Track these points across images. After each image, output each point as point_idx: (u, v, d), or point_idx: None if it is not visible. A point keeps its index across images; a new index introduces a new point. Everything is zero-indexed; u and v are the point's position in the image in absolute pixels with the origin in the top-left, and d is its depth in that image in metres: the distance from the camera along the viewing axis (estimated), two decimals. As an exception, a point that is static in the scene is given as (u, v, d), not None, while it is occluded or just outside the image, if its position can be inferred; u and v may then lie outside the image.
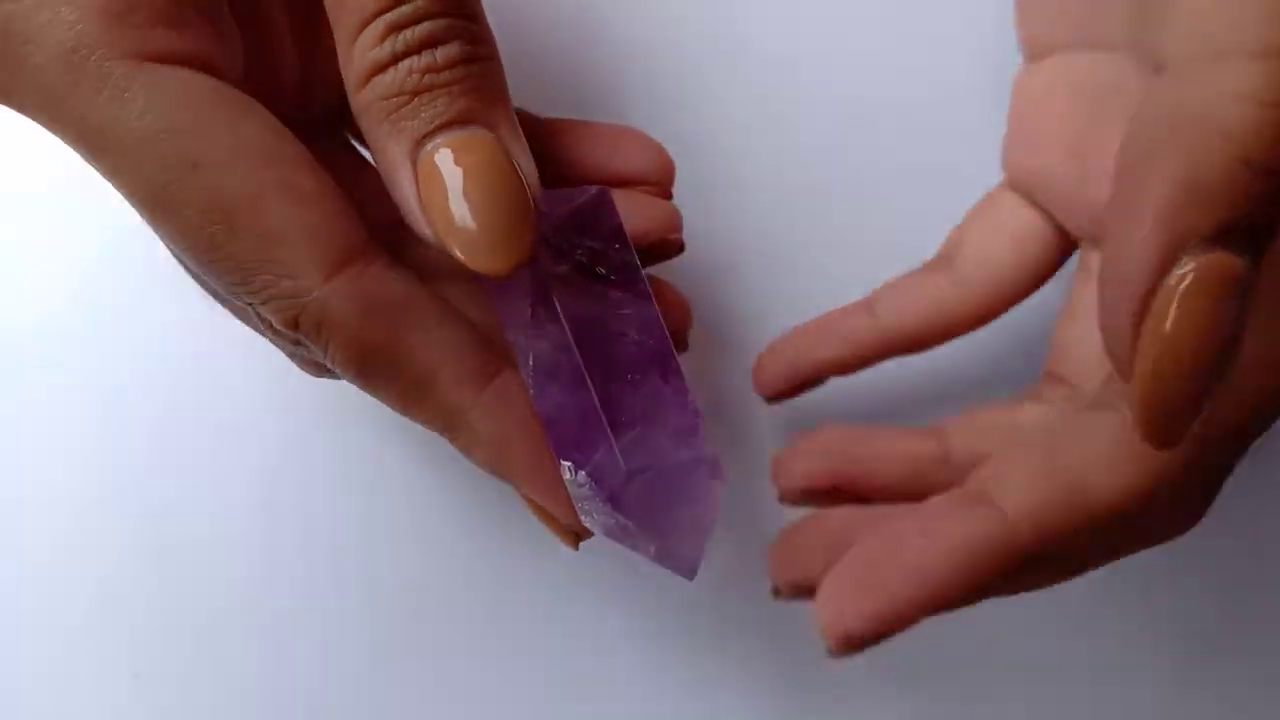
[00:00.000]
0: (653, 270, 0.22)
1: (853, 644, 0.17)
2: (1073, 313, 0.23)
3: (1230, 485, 0.18)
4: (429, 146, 0.17)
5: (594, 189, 0.19)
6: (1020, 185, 0.24)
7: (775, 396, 0.25)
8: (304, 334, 0.17)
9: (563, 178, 0.22)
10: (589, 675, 0.27)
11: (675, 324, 0.21)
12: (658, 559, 0.17)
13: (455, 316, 0.18)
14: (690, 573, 0.17)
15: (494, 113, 0.17)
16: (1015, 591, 0.18)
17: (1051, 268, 0.24)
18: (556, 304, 0.18)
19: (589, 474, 0.17)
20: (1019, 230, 0.24)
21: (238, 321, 0.21)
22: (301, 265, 0.16)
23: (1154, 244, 0.15)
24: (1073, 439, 0.17)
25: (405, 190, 0.17)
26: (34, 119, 0.17)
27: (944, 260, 0.25)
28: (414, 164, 0.17)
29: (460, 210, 0.16)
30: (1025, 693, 0.27)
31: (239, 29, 0.19)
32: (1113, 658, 0.28)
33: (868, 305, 0.24)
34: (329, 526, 0.27)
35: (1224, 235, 0.14)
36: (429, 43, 0.16)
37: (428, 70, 0.16)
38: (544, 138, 0.22)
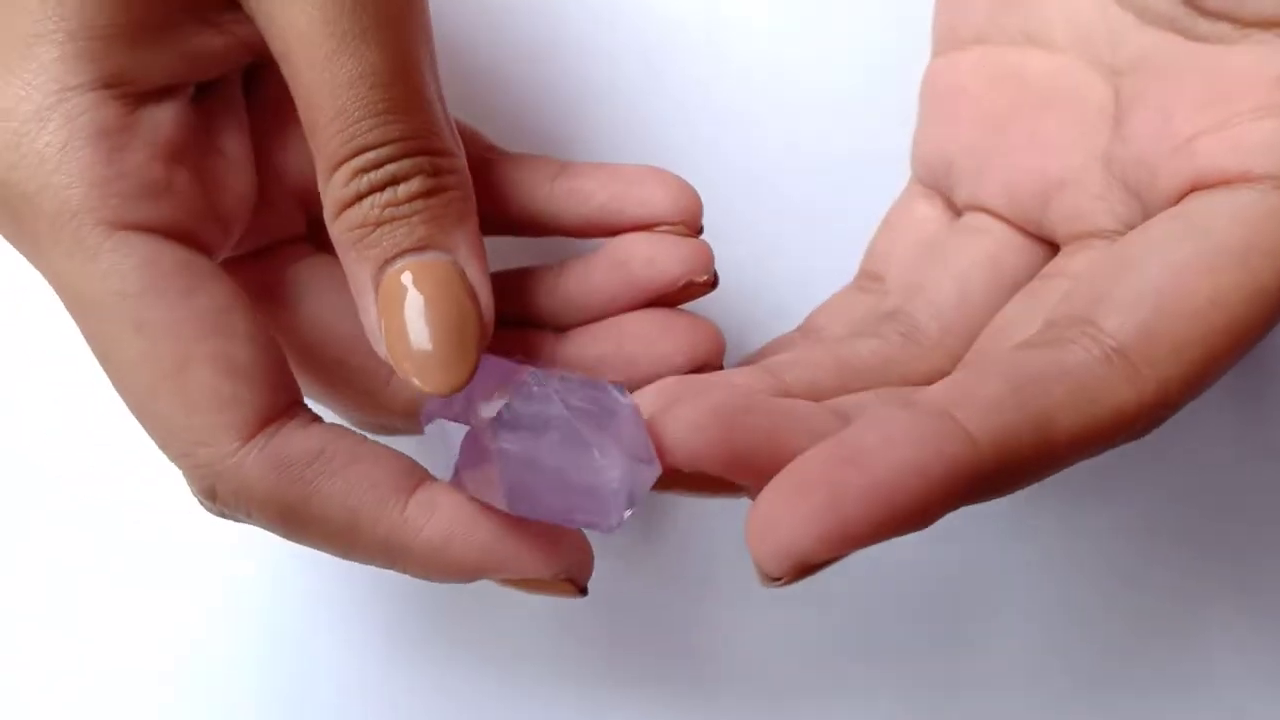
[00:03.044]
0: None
1: (802, 569, 0.16)
2: (935, 256, 0.23)
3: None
4: (389, 271, 0.18)
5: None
6: (929, 173, 0.25)
7: None
8: (222, 504, 0.18)
9: (584, 225, 0.22)
10: (575, 675, 0.27)
11: (706, 356, 0.22)
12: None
13: (369, 452, 0.19)
14: (606, 531, 0.17)
15: (451, 238, 0.19)
16: (954, 507, 0.17)
17: None
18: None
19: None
20: (935, 237, 0.24)
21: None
22: (215, 433, 0.18)
23: None
24: (1036, 372, 0.17)
25: (368, 312, 0.19)
26: (33, 265, 0.19)
27: (873, 278, 0.25)
28: (376, 287, 0.18)
29: (413, 331, 0.18)
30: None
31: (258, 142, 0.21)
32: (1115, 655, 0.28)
33: (811, 331, 0.24)
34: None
35: None
36: (391, 181, 0.18)
37: (388, 204, 0.18)
38: (563, 182, 0.23)
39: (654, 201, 0.22)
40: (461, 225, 0.19)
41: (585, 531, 0.19)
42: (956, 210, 0.24)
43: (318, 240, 0.23)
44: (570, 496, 0.17)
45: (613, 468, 0.17)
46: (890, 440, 0.16)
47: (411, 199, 0.18)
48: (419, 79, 0.19)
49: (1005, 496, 0.18)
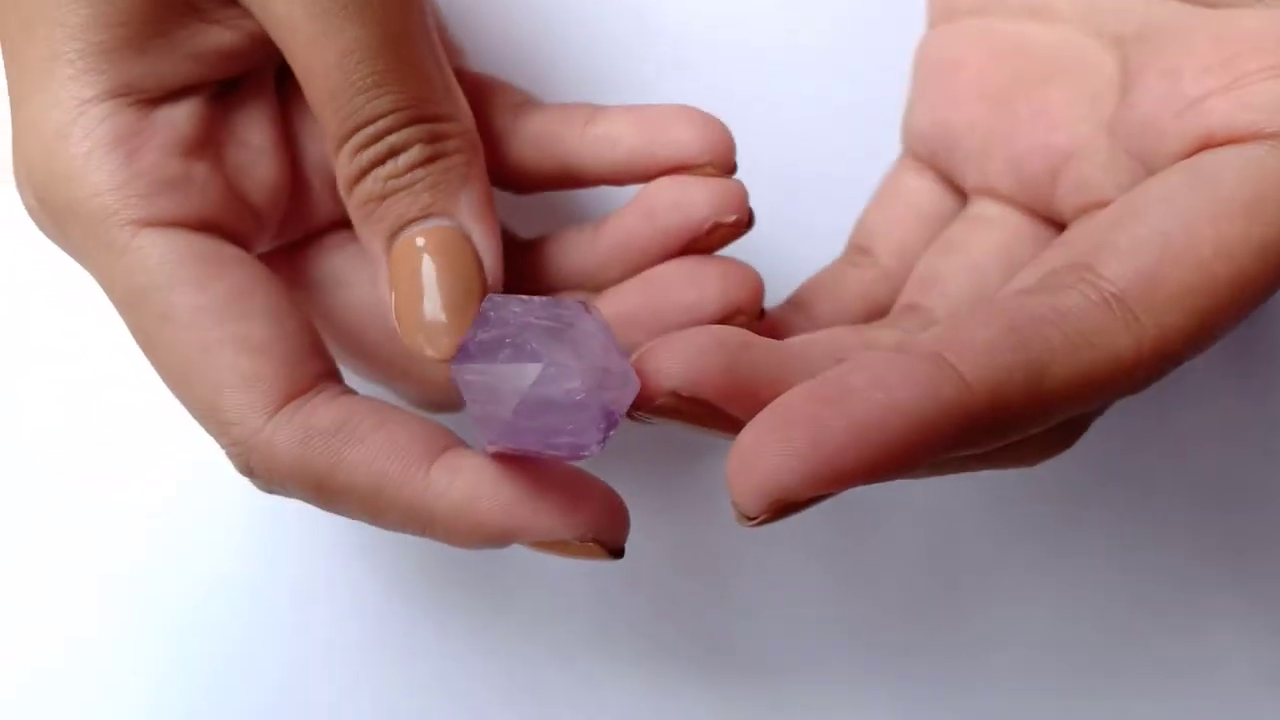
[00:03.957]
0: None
1: (781, 507, 0.15)
2: (948, 249, 0.23)
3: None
4: (396, 241, 0.19)
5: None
6: (925, 147, 0.24)
7: None
8: (260, 478, 0.19)
9: (617, 172, 0.22)
10: (570, 676, 0.27)
11: (739, 302, 0.21)
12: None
13: (396, 420, 0.19)
14: (590, 449, 0.17)
15: (454, 202, 0.19)
16: (946, 452, 0.16)
17: None
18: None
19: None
20: (928, 209, 0.24)
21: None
22: (243, 410, 0.18)
23: None
24: (1032, 316, 0.16)
25: (381, 283, 0.19)
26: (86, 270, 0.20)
27: (862, 251, 0.24)
28: (387, 259, 0.19)
29: (418, 298, 0.18)
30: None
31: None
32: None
33: (800, 306, 0.23)
34: (329, 524, 0.27)
35: None
36: (390, 153, 0.19)
37: (390, 176, 0.19)
38: (593, 128, 0.22)
39: (681, 142, 0.21)
40: (465, 189, 0.19)
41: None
42: (954, 186, 0.24)
43: None
44: (538, 416, 0.17)
45: (569, 377, 0.16)
46: (879, 380, 0.15)
47: (411, 168, 0.19)
48: (408, 48, 0.19)
49: (1004, 469, 0.18)
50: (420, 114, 0.19)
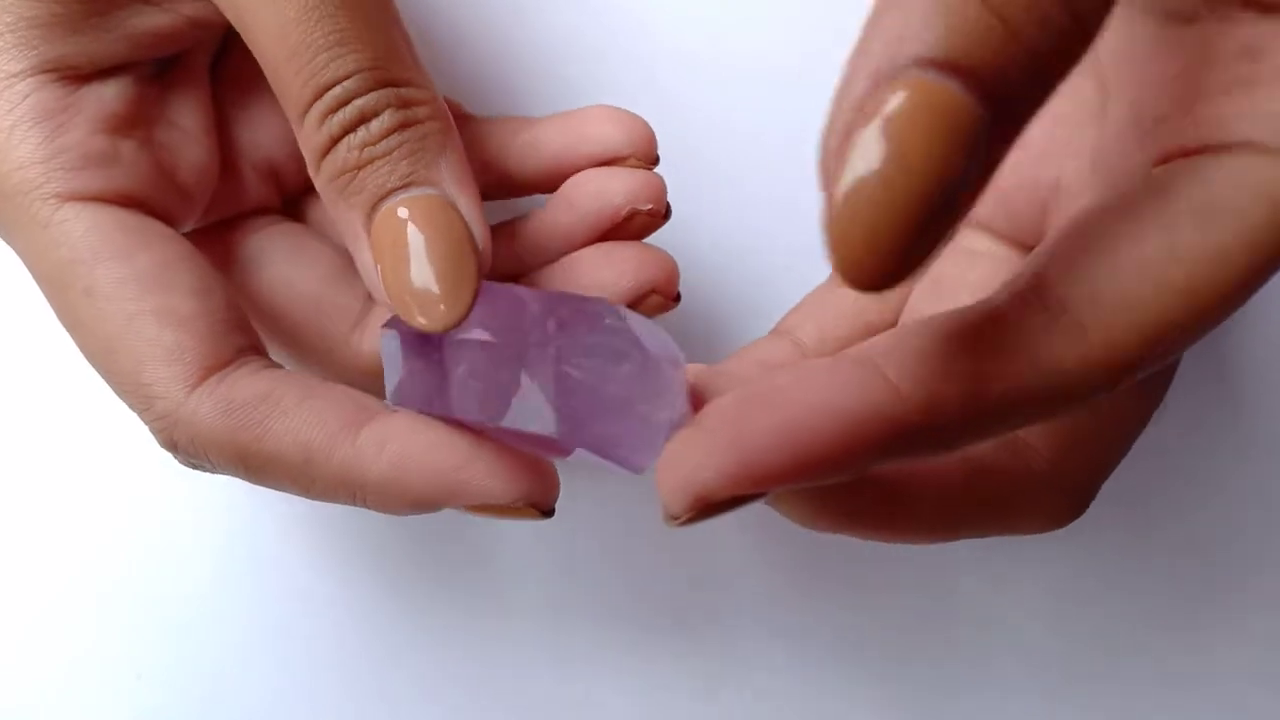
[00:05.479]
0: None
1: (704, 506, 0.15)
2: (937, 293, 0.22)
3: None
4: (378, 213, 0.18)
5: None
6: None
7: None
8: (184, 452, 0.19)
9: (545, 176, 0.22)
10: (571, 675, 0.27)
11: (653, 281, 0.21)
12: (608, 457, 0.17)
13: (321, 391, 0.19)
14: (637, 469, 0.17)
15: (434, 171, 0.18)
16: (880, 459, 0.15)
17: None
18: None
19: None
20: None
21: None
22: (166, 384, 0.18)
23: (872, 58, 0.13)
24: (969, 326, 0.16)
25: (363, 258, 0.18)
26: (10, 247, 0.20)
27: None
28: (368, 233, 0.18)
29: (409, 268, 0.18)
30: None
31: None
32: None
33: (785, 334, 0.23)
34: (328, 523, 0.28)
35: (950, 67, 0.13)
36: (361, 119, 0.18)
37: (365, 145, 0.18)
38: (522, 136, 0.22)
39: (603, 138, 0.22)
40: (443, 156, 0.19)
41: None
42: None
43: (292, 213, 0.24)
44: (625, 425, 0.17)
45: (678, 408, 0.17)
46: (805, 384, 0.15)
47: (386, 135, 0.18)
48: (370, 9, 0.18)
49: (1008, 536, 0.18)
50: (387, 77, 0.18)
